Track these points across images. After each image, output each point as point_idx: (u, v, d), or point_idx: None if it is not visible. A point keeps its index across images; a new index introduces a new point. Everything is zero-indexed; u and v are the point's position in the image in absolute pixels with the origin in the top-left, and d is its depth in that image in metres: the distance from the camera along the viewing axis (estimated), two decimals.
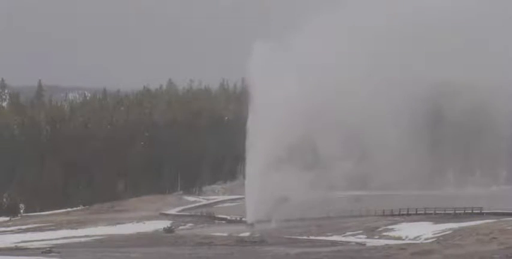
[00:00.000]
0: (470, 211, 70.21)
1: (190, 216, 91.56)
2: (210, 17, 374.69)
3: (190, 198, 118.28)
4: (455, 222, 62.23)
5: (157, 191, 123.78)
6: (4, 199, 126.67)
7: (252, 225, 76.33)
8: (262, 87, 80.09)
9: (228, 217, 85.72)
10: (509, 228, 52.96)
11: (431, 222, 64.55)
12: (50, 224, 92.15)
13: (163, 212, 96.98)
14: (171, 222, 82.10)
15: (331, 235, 62.84)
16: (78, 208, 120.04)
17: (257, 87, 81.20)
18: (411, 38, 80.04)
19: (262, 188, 78.02)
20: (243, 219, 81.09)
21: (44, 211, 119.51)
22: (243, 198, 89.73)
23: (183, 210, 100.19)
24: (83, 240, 61.38)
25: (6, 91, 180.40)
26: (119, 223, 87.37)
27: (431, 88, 79.71)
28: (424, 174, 78.63)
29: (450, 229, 57.89)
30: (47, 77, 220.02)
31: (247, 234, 67.64)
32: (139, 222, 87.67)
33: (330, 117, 75.48)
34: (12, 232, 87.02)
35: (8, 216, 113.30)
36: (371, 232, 63.11)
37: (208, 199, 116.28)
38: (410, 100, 77.84)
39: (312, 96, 77.08)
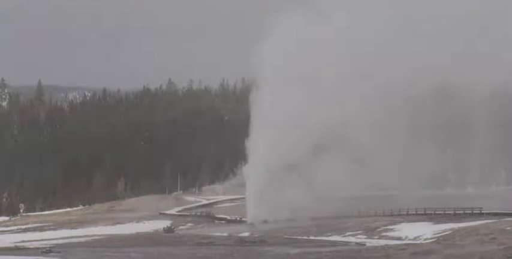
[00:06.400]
0: (470, 211, 70.18)
1: (190, 216, 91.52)
2: (210, 17, 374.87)
3: (190, 198, 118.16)
4: (455, 222, 62.18)
5: (157, 191, 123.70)
6: (4, 199, 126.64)
7: (252, 225, 76.30)
8: (274, 83, 79.96)
9: (228, 217, 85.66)
10: (509, 228, 52.96)
11: (431, 222, 64.49)
12: (50, 224, 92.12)
13: (163, 212, 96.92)
14: (171, 222, 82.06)
15: (331, 235, 62.81)
16: (78, 208, 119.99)
17: (268, 85, 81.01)
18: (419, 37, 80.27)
19: (263, 189, 78.04)
20: (243, 219, 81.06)
21: (44, 211, 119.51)
22: (243, 198, 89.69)
23: (183, 210, 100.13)
24: (83, 240, 61.31)
25: (6, 91, 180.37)
26: (118, 223, 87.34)
27: (430, 88, 79.71)
28: (424, 174, 78.50)
29: (450, 229, 57.84)
30: (47, 77, 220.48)
31: (247, 234, 67.60)
32: (139, 222, 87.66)
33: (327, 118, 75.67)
34: (12, 232, 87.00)
35: (8, 216, 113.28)
36: (371, 232, 63.07)
37: (208, 199, 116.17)
38: (409, 101, 77.90)
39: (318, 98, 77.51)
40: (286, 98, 78.67)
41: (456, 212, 70.54)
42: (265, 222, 75.92)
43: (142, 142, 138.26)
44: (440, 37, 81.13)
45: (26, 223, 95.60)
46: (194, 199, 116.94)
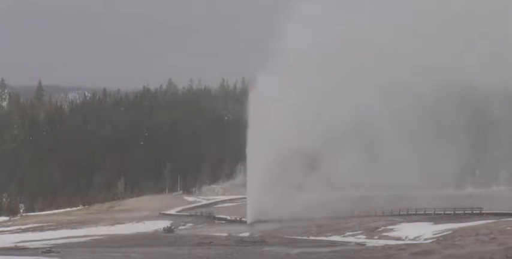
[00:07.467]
0: (470, 211, 70.15)
1: (190, 216, 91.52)
2: (210, 17, 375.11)
3: (190, 198, 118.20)
4: (455, 222, 62.13)
5: (157, 191, 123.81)
6: (4, 199, 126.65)
7: (252, 225, 76.28)
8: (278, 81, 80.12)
9: (228, 217, 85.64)
10: (509, 228, 52.91)
11: (431, 222, 64.43)
12: (50, 224, 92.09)
13: (163, 212, 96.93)
14: (171, 222, 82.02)
15: (330, 236, 62.75)
16: (78, 208, 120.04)
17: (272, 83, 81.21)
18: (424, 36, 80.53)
19: (263, 188, 77.99)
20: (243, 219, 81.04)
21: (43, 211, 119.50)
22: (243, 198, 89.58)
23: (182, 210, 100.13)
24: (82, 240, 61.29)
25: (6, 91, 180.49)
26: (118, 223, 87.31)
27: (431, 88, 79.74)
28: (424, 174, 78.52)
29: (450, 229, 57.76)
30: (47, 77, 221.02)
31: (247, 234, 67.57)
32: (139, 222, 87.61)
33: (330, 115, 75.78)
34: (12, 232, 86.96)
35: (7, 216, 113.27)
36: (371, 232, 63.00)
37: (208, 199, 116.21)
38: (411, 100, 77.94)
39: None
40: (290, 96, 78.87)
41: (456, 212, 70.51)
42: (265, 222, 75.82)
43: (142, 143, 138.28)
44: (440, 37, 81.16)
45: (26, 224, 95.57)
46: (194, 199, 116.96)
